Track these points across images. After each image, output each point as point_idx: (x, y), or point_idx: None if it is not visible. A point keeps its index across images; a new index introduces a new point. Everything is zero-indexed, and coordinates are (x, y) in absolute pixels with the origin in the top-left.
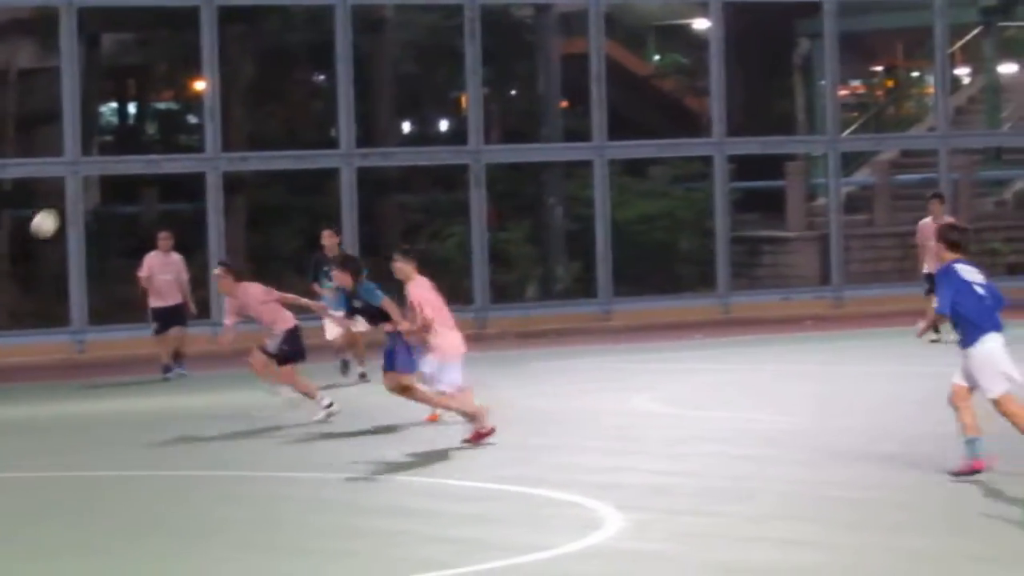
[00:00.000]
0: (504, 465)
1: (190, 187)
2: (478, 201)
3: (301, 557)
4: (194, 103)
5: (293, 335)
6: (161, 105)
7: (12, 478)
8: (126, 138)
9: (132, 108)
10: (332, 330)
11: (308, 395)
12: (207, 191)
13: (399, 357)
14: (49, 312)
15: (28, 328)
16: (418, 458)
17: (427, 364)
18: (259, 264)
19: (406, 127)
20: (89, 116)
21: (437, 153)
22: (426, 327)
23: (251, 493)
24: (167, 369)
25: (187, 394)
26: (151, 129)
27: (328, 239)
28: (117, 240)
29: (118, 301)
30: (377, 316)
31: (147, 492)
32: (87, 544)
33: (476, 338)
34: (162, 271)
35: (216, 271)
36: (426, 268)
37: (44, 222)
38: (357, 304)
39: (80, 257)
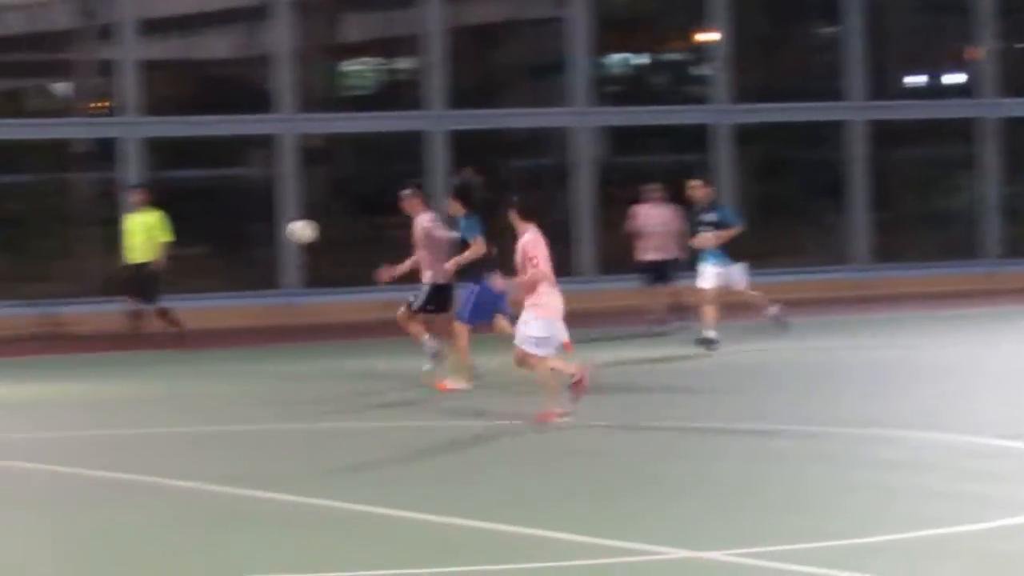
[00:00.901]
0: (1015, 423)
1: (699, 138)
2: (991, 155)
3: (797, 511)
4: (703, 54)
5: None
6: (669, 55)
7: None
8: (634, 88)
9: (639, 58)
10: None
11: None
12: (716, 142)
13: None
14: (558, 261)
15: None
16: (908, 413)
17: (532, 324)
18: (768, 216)
19: (915, 80)
20: (596, 66)
21: (948, 107)
22: (533, 283)
23: (738, 447)
24: (661, 322)
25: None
26: (659, 79)
27: (698, 190)
28: (624, 191)
29: (627, 252)
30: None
31: (642, 447)
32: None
33: (985, 293)
34: (649, 223)
35: None
36: (932, 223)
37: (302, 231)
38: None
39: (589, 207)
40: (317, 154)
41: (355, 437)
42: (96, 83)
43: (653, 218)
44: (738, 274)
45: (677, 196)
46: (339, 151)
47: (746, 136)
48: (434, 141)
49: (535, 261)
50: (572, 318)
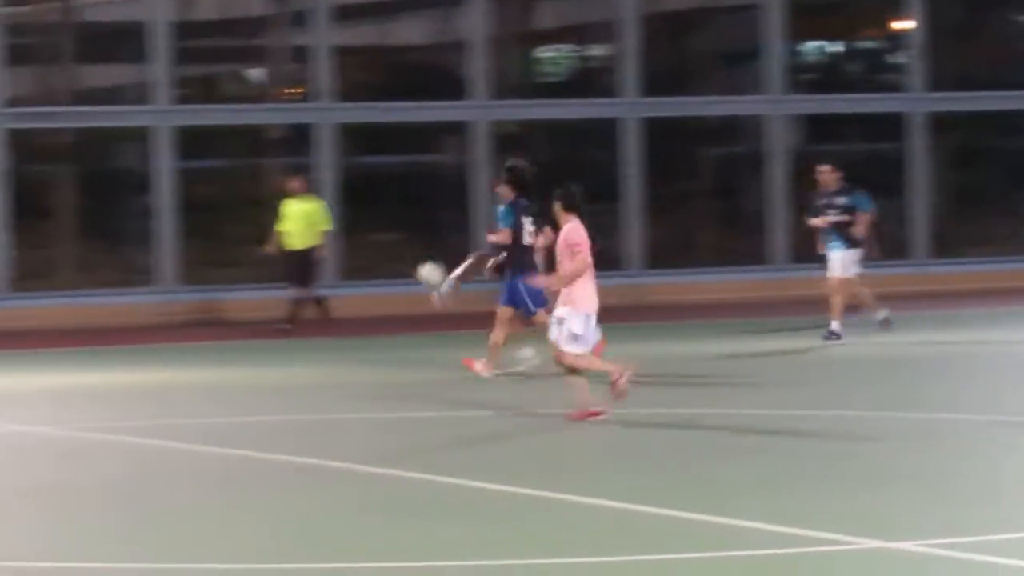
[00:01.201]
0: None
1: (894, 126)
2: None
3: (989, 503)
4: (898, 41)
5: None
6: (864, 43)
7: (730, 414)
8: (828, 76)
9: (834, 46)
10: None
11: None
12: (910, 131)
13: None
14: (751, 249)
15: (732, 266)
16: None
17: (568, 320)
18: (962, 205)
19: None
20: (791, 53)
21: None
22: (576, 273)
23: (919, 436)
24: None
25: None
26: (853, 67)
27: (826, 174)
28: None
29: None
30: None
31: (818, 437)
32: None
33: None
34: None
35: None
36: None
37: (431, 274)
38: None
39: (782, 196)
40: (510, 141)
41: (534, 424)
42: (290, 69)
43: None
44: (851, 261)
45: (879, 184)
46: (532, 138)
47: (941, 125)
48: (627, 128)
49: (578, 247)
50: (763, 307)
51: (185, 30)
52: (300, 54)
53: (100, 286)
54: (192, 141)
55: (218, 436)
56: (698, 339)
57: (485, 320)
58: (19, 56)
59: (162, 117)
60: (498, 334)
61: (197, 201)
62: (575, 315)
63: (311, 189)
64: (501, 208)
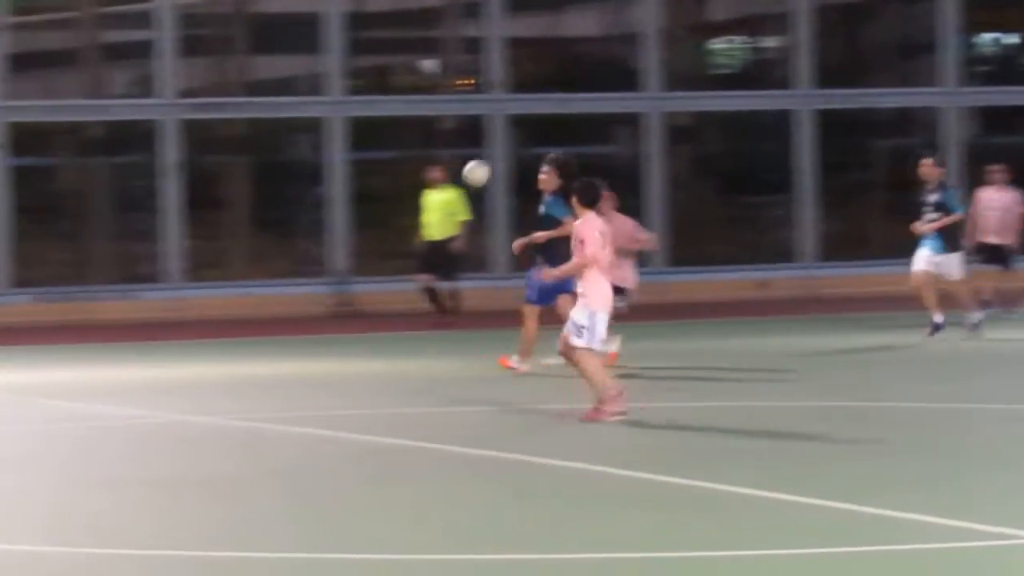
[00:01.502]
0: None
1: None
2: None
3: None
4: None
5: None
6: None
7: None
8: (1003, 68)
9: (1010, 38)
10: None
11: None
12: None
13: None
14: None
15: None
16: None
17: (579, 311)
18: None
19: None
20: (966, 46)
21: None
22: (579, 268)
23: None
24: (985, 305)
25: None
26: None
27: (926, 168)
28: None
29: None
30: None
31: (982, 431)
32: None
33: None
34: (991, 205)
35: None
36: None
37: (474, 172)
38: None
39: (957, 187)
40: (683, 132)
41: (713, 416)
42: (462, 60)
43: (995, 201)
44: (953, 264)
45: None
46: (705, 129)
47: None
48: (800, 120)
49: (583, 244)
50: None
51: (358, 21)
52: (472, 45)
53: (272, 277)
54: (364, 132)
55: (386, 426)
56: (871, 331)
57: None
58: (193, 47)
59: (335, 108)
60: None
61: (368, 192)
62: (582, 309)
63: (429, 180)
64: (548, 199)
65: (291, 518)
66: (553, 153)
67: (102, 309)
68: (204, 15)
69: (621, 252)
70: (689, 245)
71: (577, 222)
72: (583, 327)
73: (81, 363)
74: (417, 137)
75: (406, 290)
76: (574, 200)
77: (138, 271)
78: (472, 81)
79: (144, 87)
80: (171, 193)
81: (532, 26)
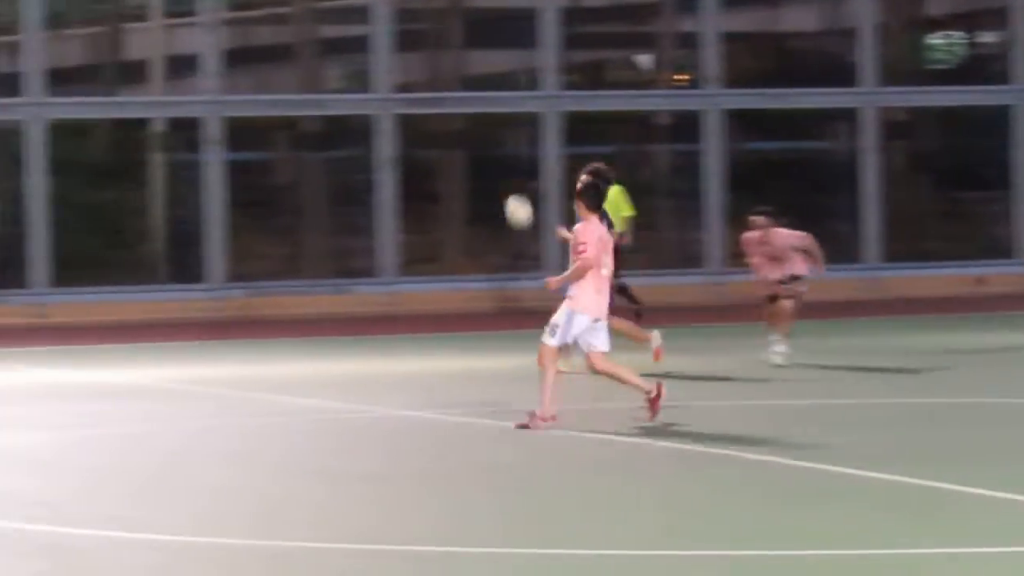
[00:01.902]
0: None
1: None
2: None
3: None
4: None
5: None
6: None
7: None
8: None
9: None
10: None
11: None
12: None
13: None
14: None
15: None
16: None
17: (560, 312)
18: None
19: None
20: None
21: None
22: (581, 272)
23: None
24: None
25: None
26: None
27: None
28: None
29: None
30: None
31: None
32: None
33: None
34: None
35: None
36: None
37: (516, 213)
38: None
39: None
40: (899, 128)
41: (945, 412)
42: (677, 55)
43: None
44: None
45: None
46: (921, 125)
47: None
48: (1018, 115)
49: (582, 248)
50: None
51: (573, 16)
52: (688, 40)
53: (487, 271)
54: (578, 127)
55: (595, 421)
56: None
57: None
58: (409, 42)
59: (550, 103)
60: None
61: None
62: (564, 309)
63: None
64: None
65: (502, 513)
66: (593, 165)
67: (316, 303)
68: (419, 10)
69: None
70: (905, 240)
71: (579, 225)
72: (556, 326)
73: (295, 358)
74: (632, 132)
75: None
76: (579, 203)
77: (352, 265)
78: (687, 76)
79: (359, 82)
80: (386, 188)
81: (748, 21)
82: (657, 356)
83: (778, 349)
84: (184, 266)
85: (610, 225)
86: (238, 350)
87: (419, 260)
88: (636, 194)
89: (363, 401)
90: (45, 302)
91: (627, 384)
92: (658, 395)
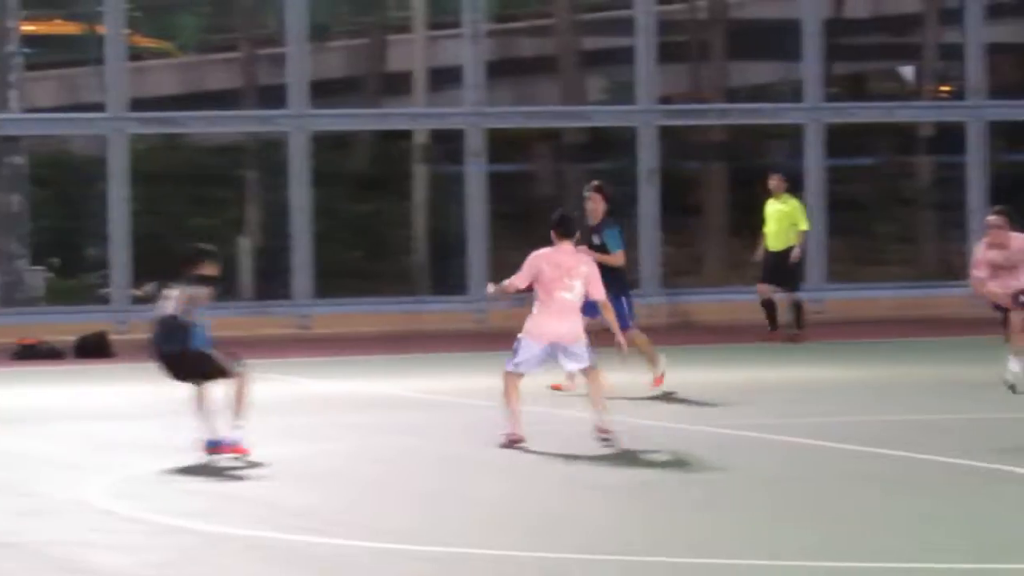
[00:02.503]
0: None
1: None
2: None
3: None
4: None
5: None
6: None
7: None
8: None
9: None
10: None
11: None
12: None
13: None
14: None
15: None
16: None
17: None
18: None
19: None
20: None
21: None
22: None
23: None
24: None
25: None
26: None
27: None
28: None
29: None
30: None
31: None
32: None
33: None
34: None
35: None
36: None
37: None
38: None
39: None
40: None
41: None
42: (939, 66)
43: None
44: None
45: None
46: None
47: None
48: None
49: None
50: None
51: (836, 27)
52: (951, 51)
53: (748, 283)
54: (841, 138)
55: (839, 433)
56: None
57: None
58: (671, 54)
59: (812, 114)
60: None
61: (846, 198)
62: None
63: (770, 189)
64: (605, 231)
65: (780, 525)
66: (599, 181)
67: None
68: (682, 21)
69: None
70: None
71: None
72: (514, 350)
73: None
74: (895, 143)
75: (879, 297)
76: (553, 233)
77: None
78: (949, 88)
79: (621, 93)
80: (648, 199)
81: (1012, 31)
82: (658, 383)
83: (1013, 368)
84: (446, 277)
85: (599, 248)
86: (498, 362)
87: (680, 272)
88: (898, 206)
89: (635, 413)
90: (309, 313)
91: (595, 404)
92: (606, 433)
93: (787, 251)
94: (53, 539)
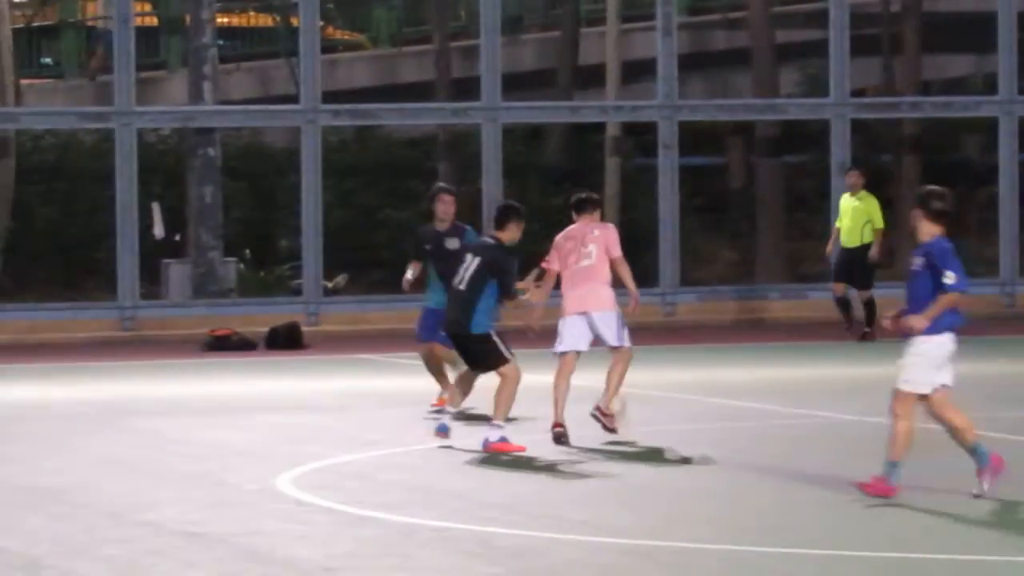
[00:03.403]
0: None
1: None
2: None
3: None
4: None
5: None
6: None
7: None
8: None
9: None
10: None
11: None
12: None
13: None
14: None
15: None
16: None
17: None
18: None
19: None
20: None
21: None
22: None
23: None
24: None
25: None
26: None
27: None
28: None
29: None
30: None
31: None
32: None
33: None
34: None
35: None
36: None
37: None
38: None
39: None
40: None
41: None
42: None
43: None
44: None
45: None
46: None
47: None
48: None
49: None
50: None
51: None
52: None
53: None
54: None
55: None
56: None
57: None
58: (865, 47)
59: (1006, 107)
60: None
61: None
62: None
63: (846, 187)
64: (467, 230)
65: (963, 520)
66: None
67: (770, 308)
68: (876, 14)
69: None
70: None
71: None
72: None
73: (749, 362)
74: None
75: None
76: (572, 211)
77: (804, 270)
78: None
79: (814, 86)
80: (840, 192)
81: None
82: (441, 403)
83: None
84: (636, 270)
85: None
86: (691, 355)
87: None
88: None
89: (816, 406)
90: None
91: (609, 384)
92: (606, 417)
93: (860, 248)
94: (242, 529)
